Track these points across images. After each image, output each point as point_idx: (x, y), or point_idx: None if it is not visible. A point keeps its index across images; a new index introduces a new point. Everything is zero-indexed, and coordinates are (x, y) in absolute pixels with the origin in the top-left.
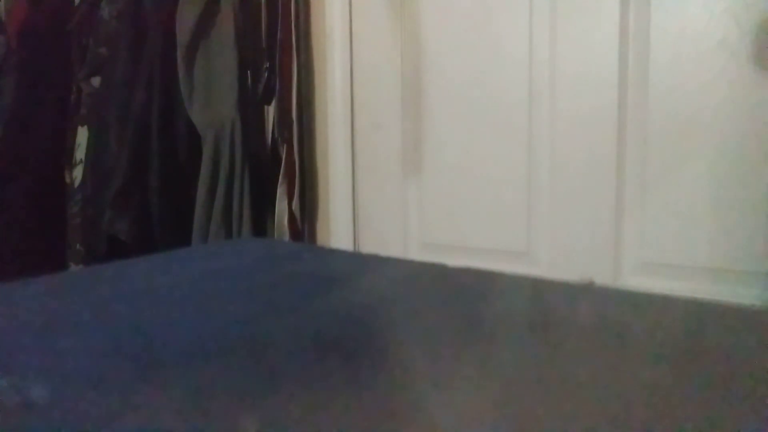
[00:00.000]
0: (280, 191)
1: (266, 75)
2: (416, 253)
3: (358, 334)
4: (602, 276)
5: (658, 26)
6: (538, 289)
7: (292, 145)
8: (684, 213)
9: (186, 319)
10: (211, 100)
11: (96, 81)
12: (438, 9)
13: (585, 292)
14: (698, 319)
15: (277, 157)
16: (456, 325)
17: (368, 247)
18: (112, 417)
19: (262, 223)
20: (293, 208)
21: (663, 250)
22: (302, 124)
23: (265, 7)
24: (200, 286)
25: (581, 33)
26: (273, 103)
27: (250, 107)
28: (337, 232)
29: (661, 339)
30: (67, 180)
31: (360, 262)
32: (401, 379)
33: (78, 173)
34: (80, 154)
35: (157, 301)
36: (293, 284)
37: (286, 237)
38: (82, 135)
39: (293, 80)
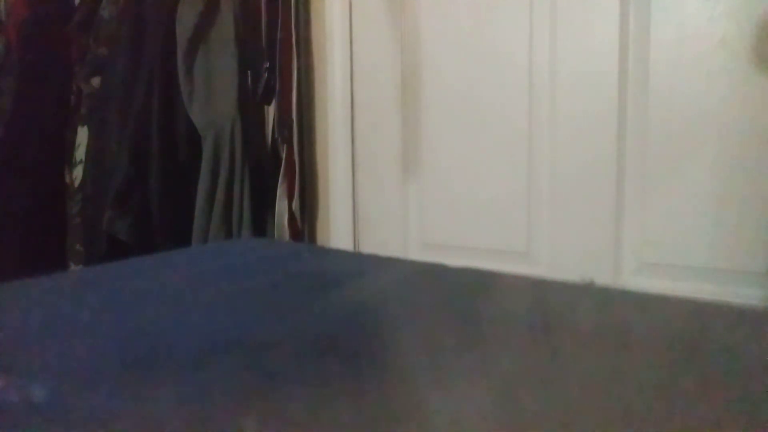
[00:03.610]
0: (280, 191)
1: (266, 75)
2: (416, 253)
3: (358, 334)
4: (602, 276)
5: (658, 26)
6: (538, 289)
7: (292, 145)
8: (684, 213)
9: (186, 319)
10: (211, 100)
11: (96, 81)
12: (438, 9)
13: (585, 292)
14: (698, 319)
15: (277, 157)
16: (456, 325)
17: (368, 247)
18: (112, 417)
19: (262, 223)
20: (293, 208)
21: (663, 250)
22: (302, 124)
23: (265, 7)
24: (200, 286)
25: (581, 33)
26: (273, 103)
27: (250, 107)
28: (337, 232)
29: (661, 339)
30: (67, 180)
31: (360, 262)
32: (401, 379)
33: (78, 173)
34: (80, 154)
35: (157, 301)
36: (293, 284)
37: (286, 237)
38: (82, 135)
39: (293, 80)
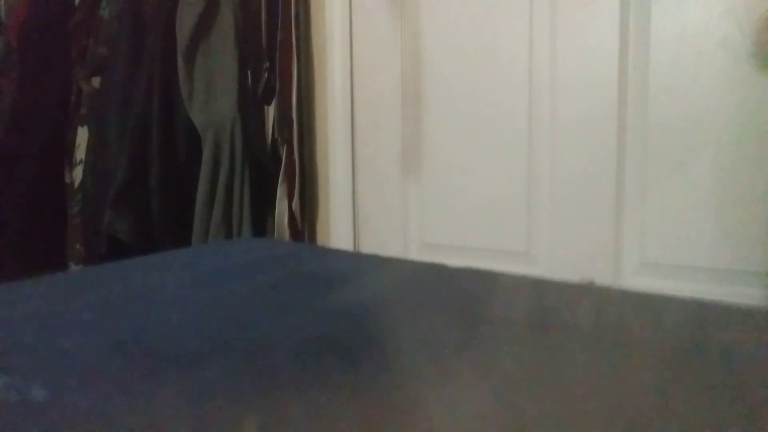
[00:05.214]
0: (280, 191)
1: (266, 75)
2: (416, 253)
3: (358, 334)
4: (602, 276)
5: (658, 26)
6: (538, 289)
7: (292, 145)
8: (684, 213)
9: (186, 319)
10: (211, 100)
11: (96, 81)
12: (438, 9)
13: (585, 292)
14: (698, 319)
15: (277, 157)
16: (456, 325)
17: (368, 247)
18: (112, 417)
19: (262, 223)
20: (293, 208)
21: (663, 250)
22: (302, 124)
23: (265, 7)
24: (200, 286)
25: (581, 33)
26: (273, 103)
27: (250, 107)
28: (337, 232)
29: (661, 339)
30: (67, 180)
31: (360, 262)
32: (401, 379)
33: (78, 173)
34: (80, 154)
35: (157, 300)
36: (293, 284)
37: (286, 237)
38: (82, 135)
39: (293, 80)
